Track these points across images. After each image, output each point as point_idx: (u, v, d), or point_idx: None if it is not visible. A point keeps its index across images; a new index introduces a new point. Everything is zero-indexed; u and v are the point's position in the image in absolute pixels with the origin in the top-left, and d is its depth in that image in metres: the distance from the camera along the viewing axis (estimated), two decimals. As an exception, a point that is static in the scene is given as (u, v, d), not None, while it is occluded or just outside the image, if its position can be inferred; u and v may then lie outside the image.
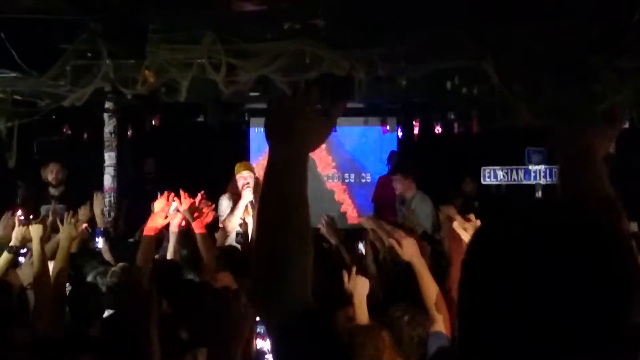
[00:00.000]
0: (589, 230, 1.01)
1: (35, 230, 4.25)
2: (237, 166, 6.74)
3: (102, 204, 6.03)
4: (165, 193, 5.17)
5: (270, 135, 1.46)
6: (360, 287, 3.45)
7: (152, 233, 4.74)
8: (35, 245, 4.20)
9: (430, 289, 3.32)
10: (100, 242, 5.95)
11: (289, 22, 5.73)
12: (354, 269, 3.51)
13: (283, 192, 1.39)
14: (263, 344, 3.58)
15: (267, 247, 1.37)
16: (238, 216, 6.49)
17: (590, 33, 5.42)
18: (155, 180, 9.25)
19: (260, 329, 3.56)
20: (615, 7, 5.07)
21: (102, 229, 5.93)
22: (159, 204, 4.99)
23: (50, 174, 7.37)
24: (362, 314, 3.39)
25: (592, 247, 0.98)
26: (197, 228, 4.98)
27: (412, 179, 7.14)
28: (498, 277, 1.01)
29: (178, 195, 5.15)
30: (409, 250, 3.40)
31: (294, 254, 1.34)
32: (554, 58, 5.77)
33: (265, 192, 1.41)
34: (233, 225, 6.45)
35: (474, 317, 1.05)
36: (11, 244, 4.33)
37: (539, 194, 7.70)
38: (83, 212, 5.83)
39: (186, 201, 5.07)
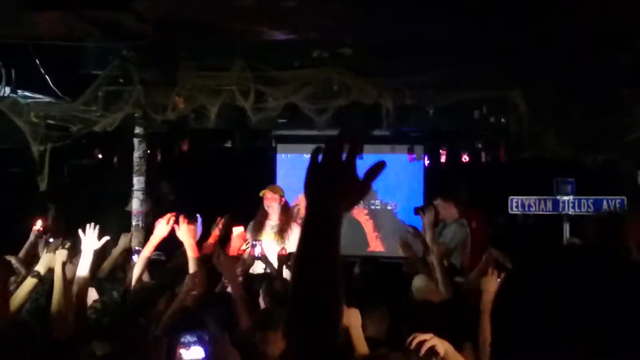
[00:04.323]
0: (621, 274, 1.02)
1: (60, 255, 4.33)
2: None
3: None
4: (168, 215, 5.23)
5: (310, 192, 1.48)
6: (354, 319, 3.42)
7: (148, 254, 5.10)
8: (57, 269, 4.28)
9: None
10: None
11: (317, 50, 5.78)
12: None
13: (318, 250, 1.42)
14: (187, 354, 3.54)
15: (302, 299, 1.41)
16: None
17: (621, 65, 5.40)
18: (172, 203, 9.26)
19: (184, 339, 3.53)
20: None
21: (138, 249, 5.94)
22: (160, 226, 5.12)
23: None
24: (361, 346, 3.36)
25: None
26: (190, 252, 4.97)
27: (453, 203, 6.98)
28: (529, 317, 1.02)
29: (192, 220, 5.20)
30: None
31: (327, 304, 1.39)
32: (584, 89, 5.76)
33: (301, 249, 1.44)
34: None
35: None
36: (36, 268, 4.38)
37: (566, 225, 7.62)
38: (123, 239, 5.98)
39: (183, 226, 5.07)
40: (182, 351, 3.51)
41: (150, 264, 5.44)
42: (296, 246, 1.46)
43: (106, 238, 5.38)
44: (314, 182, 1.48)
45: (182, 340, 3.51)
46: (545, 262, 1.08)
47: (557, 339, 0.98)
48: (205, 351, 3.48)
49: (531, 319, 1.01)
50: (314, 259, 1.42)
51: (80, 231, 4.72)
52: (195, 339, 3.50)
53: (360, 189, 1.49)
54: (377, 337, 3.94)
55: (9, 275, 4.45)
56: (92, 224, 4.94)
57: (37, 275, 4.28)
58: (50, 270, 4.41)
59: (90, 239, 4.64)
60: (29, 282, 4.24)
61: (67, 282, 4.27)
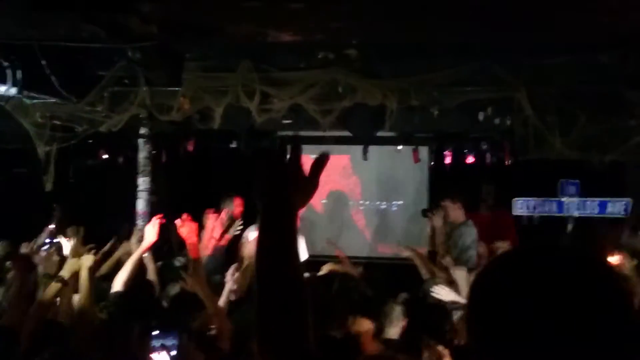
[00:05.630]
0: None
1: (86, 261, 4.37)
2: None
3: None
4: (154, 219, 5.24)
5: (260, 196, 1.48)
6: (364, 327, 3.36)
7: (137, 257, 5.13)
8: (83, 274, 4.33)
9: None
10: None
11: (322, 51, 5.79)
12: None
13: (276, 250, 1.42)
14: (159, 358, 3.54)
15: (264, 300, 1.40)
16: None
17: (626, 68, 5.39)
18: (157, 204, 9.24)
19: (156, 343, 3.54)
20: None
21: None
22: (148, 230, 5.14)
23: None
24: (371, 349, 3.35)
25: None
26: (191, 252, 4.97)
27: (461, 205, 7.00)
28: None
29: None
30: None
31: (291, 304, 1.38)
32: (589, 90, 5.75)
33: (259, 250, 1.44)
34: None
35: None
36: (61, 273, 4.39)
37: (570, 226, 7.61)
38: (125, 245, 6.03)
39: (187, 224, 5.07)
40: (154, 355, 3.54)
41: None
42: (255, 248, 1.45)
43: (90, 245, 5.43)
44: (263, 186, 1.49)
45: (153, 344, 3.53)
46: (508, 263, 1.11)
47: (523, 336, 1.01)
48: (172, 355, 3.50)
49: (496, 319, 1.04)
50: (274, 258, 1.42)
51: (62, 237, 4.71)
52: (164, 342, 3.52)
53: (308, 184, 1.50)
54: (392, 337, 3.94)
55: (31, 271, 4.51)
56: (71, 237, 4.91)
57: (62, 279, 4.29)
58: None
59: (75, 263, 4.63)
60: (54, 287, 4.26)
61: (93, 285, 4.34)
